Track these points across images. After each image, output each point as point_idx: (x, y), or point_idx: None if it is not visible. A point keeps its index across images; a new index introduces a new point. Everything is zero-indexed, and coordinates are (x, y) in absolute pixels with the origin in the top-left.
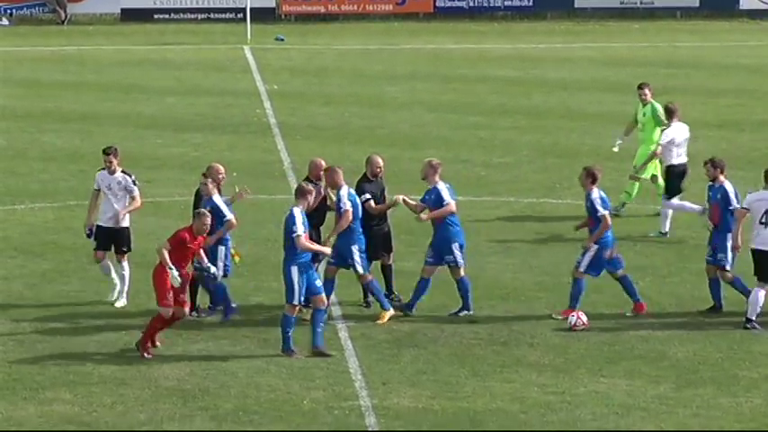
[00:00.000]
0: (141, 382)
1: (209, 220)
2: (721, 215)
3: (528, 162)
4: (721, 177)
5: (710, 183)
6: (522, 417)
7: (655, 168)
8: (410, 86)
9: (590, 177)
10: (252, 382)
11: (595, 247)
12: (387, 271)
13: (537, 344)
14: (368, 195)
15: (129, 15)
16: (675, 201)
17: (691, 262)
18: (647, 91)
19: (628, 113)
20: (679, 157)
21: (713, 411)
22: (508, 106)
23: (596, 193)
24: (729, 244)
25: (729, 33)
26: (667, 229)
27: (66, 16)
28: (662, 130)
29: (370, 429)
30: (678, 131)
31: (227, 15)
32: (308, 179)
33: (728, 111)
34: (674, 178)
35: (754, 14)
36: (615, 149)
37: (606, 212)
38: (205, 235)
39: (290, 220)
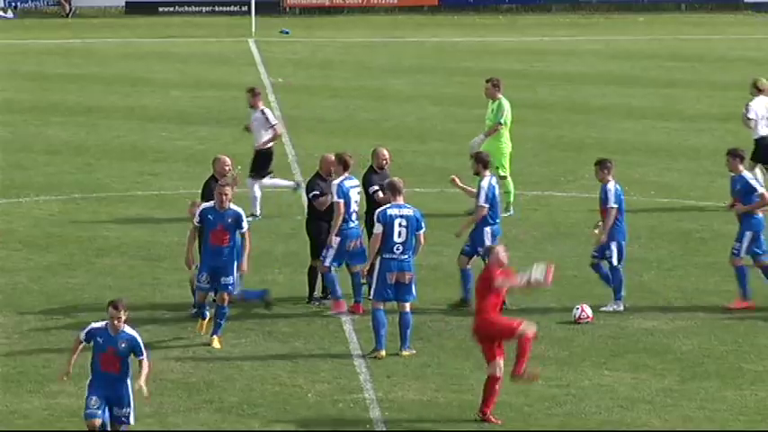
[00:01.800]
0: None
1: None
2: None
3: (533, 155)
4: (485, 172)
5: (476, 175)
6: (527, 410)
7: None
8: (415, 79)
9: (341, 164)
10: (257, 375)
11: (336, 239)
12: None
13: (541, 337)
14: (376, 187)
15: (134, 8)
16: (267, 180)
17: (696, 255)
18: (489, 86)
19: (632, 107)
20: (265, 142)
21: (718, 404)
22: (513, 99)
23: (338, 181)
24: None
25: (734, 26)
26: (259, 212)
27: (70, 9)
28: (493, 126)
29: (374, 422)
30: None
31: (232, 8)
32: (318, 175)
33: (734, 104)
34: (267, 159)
35: (759, 7)
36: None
37: (341, 201)
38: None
39: (421, 217)
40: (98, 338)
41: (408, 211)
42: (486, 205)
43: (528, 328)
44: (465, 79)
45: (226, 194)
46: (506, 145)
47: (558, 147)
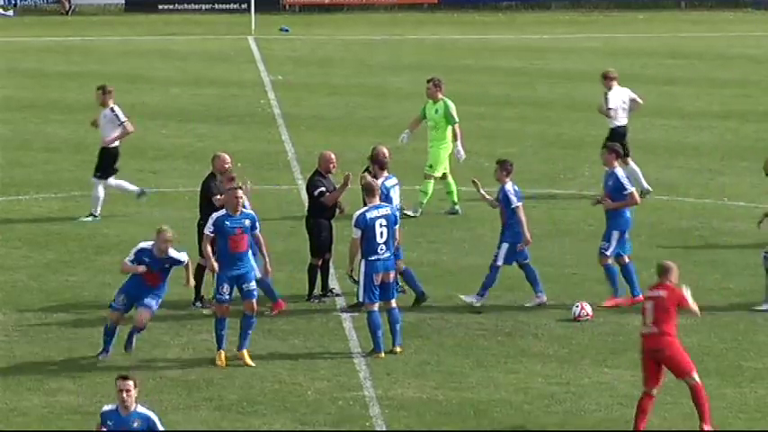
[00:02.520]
0: (145, 372)
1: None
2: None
3: (532, 153)
4: (383, 173)
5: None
6: (527, 407)
7: (444, 167)
8: (414, 77)
9: (228, 180)
10: (256, 372)
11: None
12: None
13: (541, 334)
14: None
15: (134, 6)
16: (113, 181)
17: (695, 253)
18: (431, 86)
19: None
20: (113, 139)
21: (717, 402)
22: (512, 97)
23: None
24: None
25: (734, 23)
26: (98, 212)
27: (70, 7)
28: (452, 127)
29: (374, 420)
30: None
31: (232, 6)
32: (317, 172)
33: (733, 101)
34: (113, 158)
35: (758, 4)
36: (400, 142)
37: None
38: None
39: (397, 213)
40: (108, 422)
41: (386, 211)
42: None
43: (698, 376)
44: (465, 77)
45: (239, 198)
46: (446, 147)
47: (557, 144)
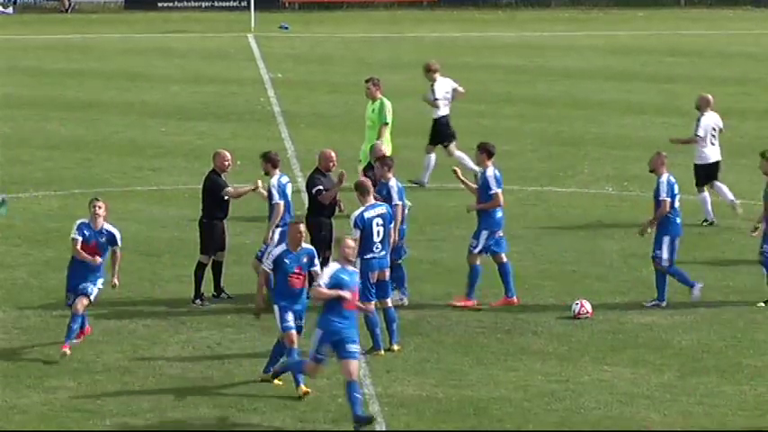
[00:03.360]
0: (145, 370)
1: None
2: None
3: (532, 150)
4: (275, 171)
5: (266, 174)
6: (526, 405)
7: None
8: (414, 75)
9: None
10: (256, 370)
11: None
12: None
13: (541, 332)
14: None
15: (133, 3)
16: None
17: (695, 250)
18: (370, 86)
19: (631, 102)
20: None
21: (717, 399)
22: (512, 95)
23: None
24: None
25: (733, 21)
26: None
27: (69, 4)
28: (380, 127)
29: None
30: None
31: (231, 3)
32: (317, 170)
33: (733, 99)
34: None
35: (758, 2)
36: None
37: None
38: None
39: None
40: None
41: (382, 210)
42: (282, 201)
43: None
44: (464, 75)
45: (302, 233)
46: (387, 146)
47: (556, 142)
